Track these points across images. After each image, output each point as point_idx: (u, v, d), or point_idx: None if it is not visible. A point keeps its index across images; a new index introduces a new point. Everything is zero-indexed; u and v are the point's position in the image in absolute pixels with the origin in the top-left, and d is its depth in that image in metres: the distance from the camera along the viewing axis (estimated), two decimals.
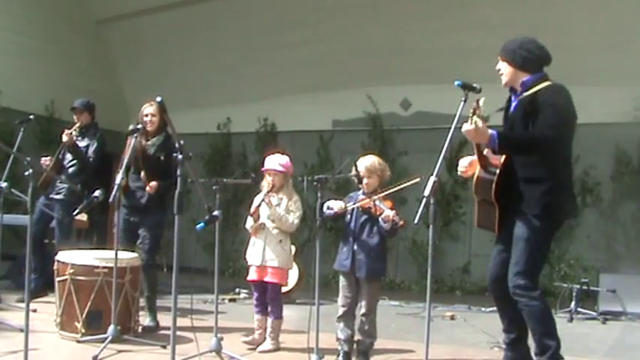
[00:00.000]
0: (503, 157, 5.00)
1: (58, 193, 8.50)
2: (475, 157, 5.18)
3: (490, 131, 4.77)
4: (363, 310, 5.92)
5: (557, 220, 5.10)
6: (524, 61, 5.09)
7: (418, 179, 5.52)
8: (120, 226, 6.92)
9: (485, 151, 5.10)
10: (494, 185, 4.98)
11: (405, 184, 5.78)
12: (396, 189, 5.85)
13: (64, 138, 8.21)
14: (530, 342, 5.12)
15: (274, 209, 6.42)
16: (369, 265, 5.82)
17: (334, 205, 5.95)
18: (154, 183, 7.01)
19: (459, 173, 5.36)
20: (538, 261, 4.98)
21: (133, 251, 7.06)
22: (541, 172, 4.94)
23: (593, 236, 11.01)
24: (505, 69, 5.15)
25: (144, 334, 6.78)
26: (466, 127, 4.71)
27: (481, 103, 4.65)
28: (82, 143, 8.49)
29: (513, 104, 5.16)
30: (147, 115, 7.12)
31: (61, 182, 8.40)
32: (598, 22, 10.39)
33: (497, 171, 4.99)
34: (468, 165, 5.31)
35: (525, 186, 4.94)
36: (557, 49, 10.34)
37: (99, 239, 11.15)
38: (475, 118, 4.66)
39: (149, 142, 7.11)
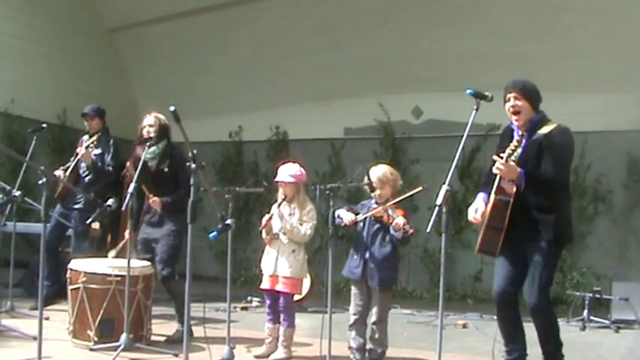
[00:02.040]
0: (515, 187, 5.22)
1: (76, 203, 8.54)
2: (481, 207, 5.48)
3: (519, 169, 5.14)
4: (374, 319, 5.93)
5: (564, 245, 5.58)
6: (538, 103, 5.44)
7: (421, 187, 5.84)
8: (139, 239, 6.95)
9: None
10: (508, 212, 5.21)
11: (409, 194, 5.88)
12: (400, 199, 5.91)
13: (81, 152, 8.22)
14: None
15: (284, 222, 6.43)
16: (381, 274, 5.84)
17: (345, 216, 5.98)
18: (156, 199, 7.00)
19: (469, 219, 5.56)
20: (551, 279, 5.37)
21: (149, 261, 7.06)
22: (552, 203, 5.26)
23: (605, 244, 10.96)
24: (525, 108, 5.36)
25: (170, 341, 6.79)
26: (499, 164, 5.11)
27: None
28: (95, 151, 8.52)
29: (523, 143, 5.32)
30: (144, 127, 7.09)
31: (78, 193, 8.42)
32: (611, 29, 10.37)
33: (511, 200, 5.22)
34: (478, 215, 5.49)
35: (539, 215, 5.25)
36: (569, 55, 10.38)
37: (112, 248, 11.18)
38: (514, 156, 5.13)
39: (148, 155, 6.99)
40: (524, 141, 5.27)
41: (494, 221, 5.26)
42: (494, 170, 5.13)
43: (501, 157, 5.11)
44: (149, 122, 7.08)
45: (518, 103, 5.32)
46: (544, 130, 5.26)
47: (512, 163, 5.13)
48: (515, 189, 5.19)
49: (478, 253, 5.55)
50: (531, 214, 5.23)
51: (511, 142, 5.29)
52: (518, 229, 5.21)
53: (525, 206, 5.21)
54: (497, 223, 5.24)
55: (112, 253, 7.34)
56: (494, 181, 5.30)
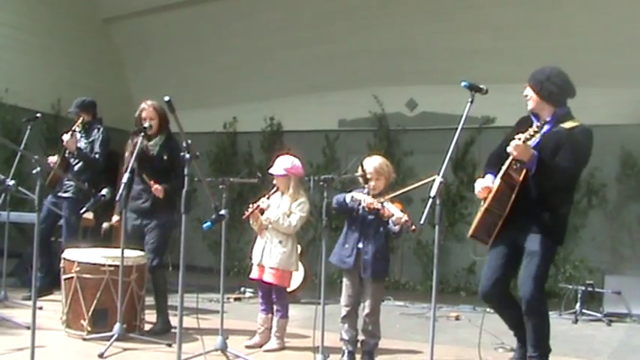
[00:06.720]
0: (522, 175, 5.17)
1: (66, 192, 8.49)
2: (487, 184, 5.43)
3: (533, 152, 5.08)
4: (366, 311, 5.91)
5: (556, 242, 5.43)
6: (550, 95, 5.33)
7: (435, 177, 5.62)
8: (128, 231, 6.90)
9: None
10: (512, 199, 5.18)
11: (421, 182, 5.77)
12: (412, 187, 5.83)
13: (65, 139, 8.19)
14: None
15: (267, 213, 6.48)
16: (374, 266, 5.81)
17: (362, 198, 5.87)
18: (159, 187, 6.82)
19: (476, 193, 5.54)
20: (546, 274, 5.33)
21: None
22: (556, 201, 5.26)
23: (598, 238, 10.99)
24: (532, 96, 5.39)
25: (151, 334, 6.74)
26: (516, 142, 5.02)
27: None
28: (84, 140, 8.48)
29: (543, 132, 5.29)
30: (145, 119, 6.98)
31: (68, 180, 8.38)
32: (604, 23, 10.37)
33: (517, 187, 5.18)
34: (483, 189, 5.45)
35: (541, 207, 5.22)
36: (563, 49, 10.38)
37: (104, 238, 11.18)
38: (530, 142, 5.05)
39: (151, 143, 6.97)
40: (546, 127, 5.25)
41: (494, 206, 5.24)
42: (509, 149, 5.07)
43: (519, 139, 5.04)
44: (150, 115, 6.95)
45: (527, 90, 5.41)
46: (567, 124, 5.26)
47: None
48: (522, 178, 5.15)
49: (470, 238, 5.52)
50: (533, 208, 5.20)
51: (527, 129, 5.23)
52: (517, 220, 5.18)
53: (528, 198, 5.17)
54: (497, 209, 5.21)
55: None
56: (502, 165, 5.28)
